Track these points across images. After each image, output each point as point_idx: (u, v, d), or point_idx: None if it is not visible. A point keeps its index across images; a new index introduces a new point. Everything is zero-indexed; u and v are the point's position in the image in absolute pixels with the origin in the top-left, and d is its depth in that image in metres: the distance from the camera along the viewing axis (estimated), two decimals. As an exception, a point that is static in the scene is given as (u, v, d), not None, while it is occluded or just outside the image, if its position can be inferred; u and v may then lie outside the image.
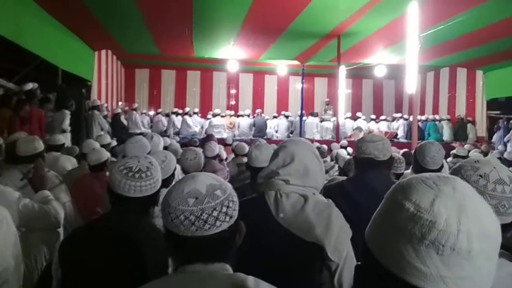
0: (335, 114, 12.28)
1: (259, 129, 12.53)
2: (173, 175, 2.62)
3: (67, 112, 7.44)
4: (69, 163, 4.61)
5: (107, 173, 3.54)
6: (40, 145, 3.15)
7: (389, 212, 0.75)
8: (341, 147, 8.26)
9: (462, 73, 13.24)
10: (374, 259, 0.75)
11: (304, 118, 12.95)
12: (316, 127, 12.80)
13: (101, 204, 3.07)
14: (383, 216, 0.77)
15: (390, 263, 0.72)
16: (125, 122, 11.48)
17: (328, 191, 2.37)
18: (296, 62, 12.44)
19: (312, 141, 10.00)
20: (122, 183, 1.68)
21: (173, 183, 2.65)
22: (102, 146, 4.52)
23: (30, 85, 6.84)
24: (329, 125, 12.86)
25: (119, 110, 11.46)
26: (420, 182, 0.74)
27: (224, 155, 6.94)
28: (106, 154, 3.73)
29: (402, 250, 0.70)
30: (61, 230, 2.63)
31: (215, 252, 1.08)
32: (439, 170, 2.76)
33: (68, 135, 7.24)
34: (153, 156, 2.52)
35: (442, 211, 0.68)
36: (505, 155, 6.60)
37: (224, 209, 1.06)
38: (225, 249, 1.10)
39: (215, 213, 1.04)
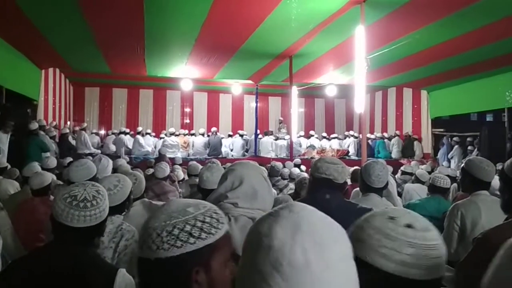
0: (288, 133, 12.47)
1: (214, 148, 12.45)
2: (128, 199, 2.46)
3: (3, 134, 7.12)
4: (12, 187, 4.39)
5: (52, 197, 3.40)
6: (-21, 170, 2.99)
7: (246, 251, 0.77)
8: (295, 165, 8.35)
9: (408, 93, 13.86)
10: None
11: (259, 136, 13.04)
12: (271, 146, 12.90)
13: (44, 230, 2.94)
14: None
15: None
16: (73, 142, 11.07)
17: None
18: (250, 82, 12.58)
19: (269, 159, 10.10)
20: (65, 212, 1.60)
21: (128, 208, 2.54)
22: (47, 169, 4.33)
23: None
24: (283, 143, 13.01)
25: (67, 130, 11.04)
26: (266, 215, 0.78)
27: (181, 175, 6.84)
28: (50, 177, 3.57)
29: (257, 283, 0.70)
30: (-1, 260, 2.48)
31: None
32: (384, 187, 2.85)
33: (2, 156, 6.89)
34: (104, 180, 2.39)
35: (278, 232, 0.71)
36: (449, 172, 6.89)
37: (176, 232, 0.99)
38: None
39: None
